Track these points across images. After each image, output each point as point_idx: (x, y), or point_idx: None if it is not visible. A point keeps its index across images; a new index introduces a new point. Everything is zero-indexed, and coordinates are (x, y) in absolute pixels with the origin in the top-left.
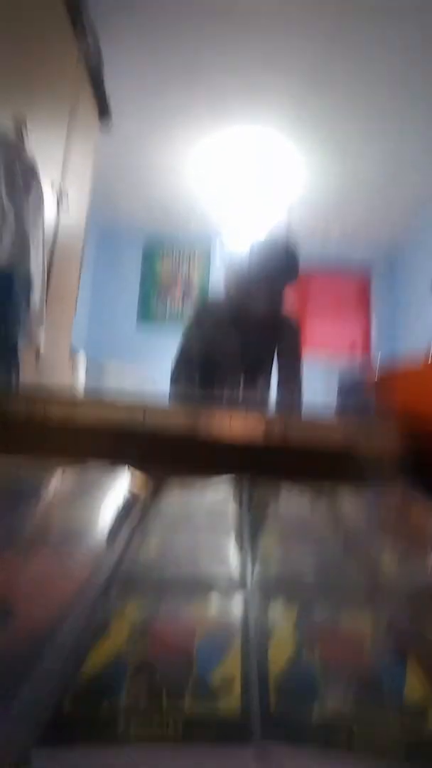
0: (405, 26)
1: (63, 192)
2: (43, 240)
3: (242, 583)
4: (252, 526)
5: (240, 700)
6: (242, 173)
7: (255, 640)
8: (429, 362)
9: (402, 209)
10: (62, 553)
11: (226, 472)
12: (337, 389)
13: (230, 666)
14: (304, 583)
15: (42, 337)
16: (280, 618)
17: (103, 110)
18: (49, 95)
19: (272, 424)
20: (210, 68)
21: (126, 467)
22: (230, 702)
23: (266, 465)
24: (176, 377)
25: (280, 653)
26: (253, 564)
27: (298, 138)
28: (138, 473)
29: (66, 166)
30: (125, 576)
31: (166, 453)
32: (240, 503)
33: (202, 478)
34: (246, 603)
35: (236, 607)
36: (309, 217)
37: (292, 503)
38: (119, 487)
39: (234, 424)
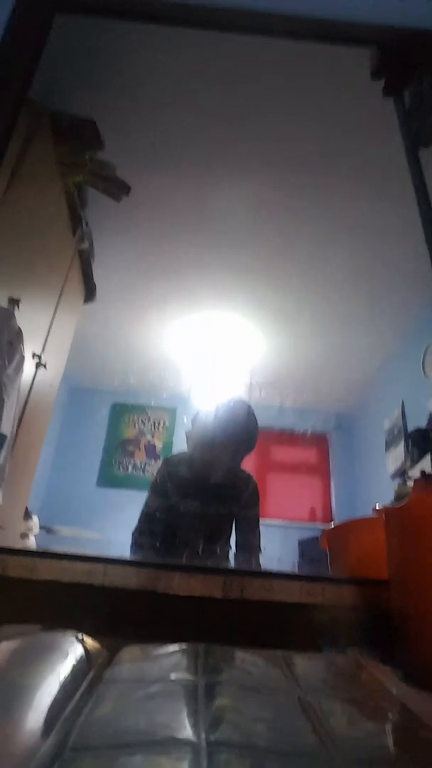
0: (344, 242)
1: (42, 360)
2: (17, 401)
3: (196, 746)
4: (206, 691)
5: None
6: (208, 349)
7: None
8: (376, 515)
9: (351, 381)
10: (11, 717)
11: (184, 629)
12: (298, 550)
13: None
14: (255, 744)
15: (0, 495)
16: None
17: (89, 292)
18: (43, 280)
19: (230, 583)
20: (184, 266)
21: (80, 634)
22: None
23: (223, 623)
24: (139, 531)
25: None
26: (207, 727)
27: (258, 322)
28: (92, 641)
29: (48, 337)
30: (79, 738)
31: (124, 610)
32: (195, 669)
33: (159, 638)
34: (198, 762)
35: (189, 766)
36: (268, 389)
37: (246, 668)
38: (73, 652)
39: (193, 582)
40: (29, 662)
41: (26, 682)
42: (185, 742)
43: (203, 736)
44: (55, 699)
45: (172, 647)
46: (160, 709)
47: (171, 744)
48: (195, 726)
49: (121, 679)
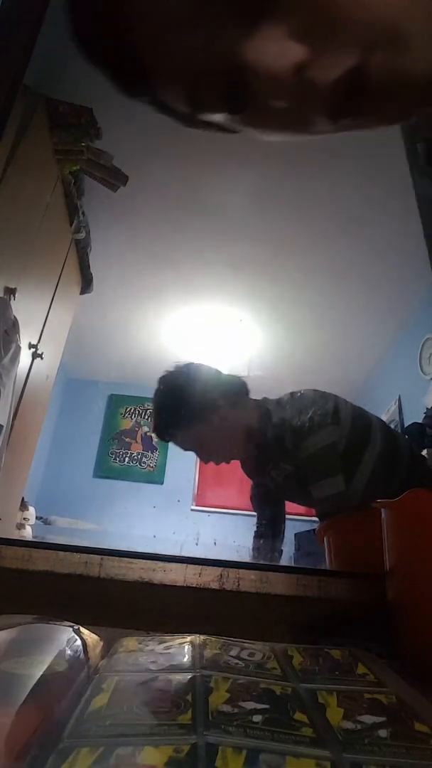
0: (343, 234)
1: (39, 350)
2: (14, 391)
3: (192, 737)
4: (203, 682)
5: None
6: (205, 341)
7: None
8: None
9: (349, 375)
10: (7, 706)
11: (181, 621)
12: (295, 544)
13: None
14: (252, 735)
15: None
16: (228, 762)
17: (86, 282)
18: (39, 269)
19: (227, 574)
20: (182, 257)
21: (76, 625)
22: None
23: (220, 614)
24: None
25: None
26: (203, 718)
27: (256, 315)
28: (88, 632)
29: (45, 328)
30: (75, 729)
31: (121, 601)
32: (191, 661)
33: (156, 629)
34: (195, 750)
35: (186, 753)
36: (266, 382)
37: (242, 659)
38: (69, 643)
39: (189, 574)
40: (25, 652)
41: (22, 672)
42: (182, 733)
43: (200, 724)
44: (51, 690)
45: (169, 639)
46: (157, 700)
47: (168, 734)
48: (192, 717)
49: (118, 671)
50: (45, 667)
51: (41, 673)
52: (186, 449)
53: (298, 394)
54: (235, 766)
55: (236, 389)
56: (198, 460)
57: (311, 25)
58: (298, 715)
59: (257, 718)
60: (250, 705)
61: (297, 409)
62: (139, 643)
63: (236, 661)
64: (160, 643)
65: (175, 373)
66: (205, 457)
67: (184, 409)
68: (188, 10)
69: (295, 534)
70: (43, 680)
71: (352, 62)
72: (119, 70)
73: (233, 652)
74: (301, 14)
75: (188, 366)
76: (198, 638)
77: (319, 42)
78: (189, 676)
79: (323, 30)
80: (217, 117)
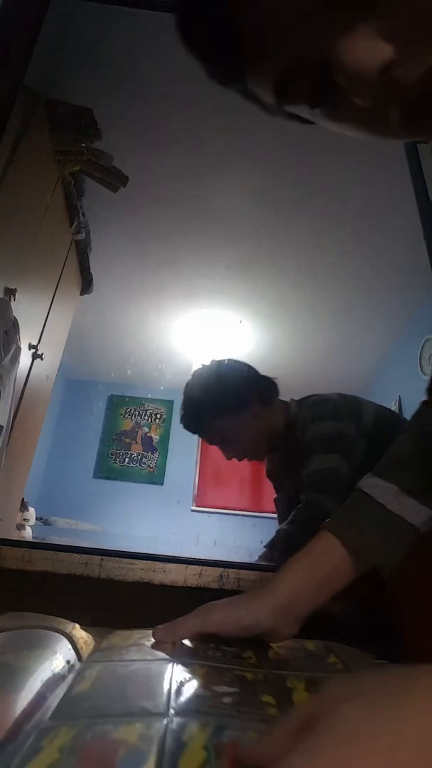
0: (343, 235)
1: (39, 351)
2: (14, 392)
3: (163, 715)
4: (181, 669)
5: None
6: (205, 342)
7: (169, 755)
8: None
9: (349, 376)
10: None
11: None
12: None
13: None
14: (219, 713)
15: None
16: (194, 736)
17: (86, 283)
18: (39, 270)
19: (227, 575)
20: (182, 258)
21: (75, 625)
22: None
23: None
24: None
25: (190, 763)
26: (176, 699)
27: (257, 316)
28: (86, 633)
29: (45, 328)
30: (57, 711)
31: (120, 602)
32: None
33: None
34: (166, 727)
35: (157, 730)
36: None
37: (220, 649)
38: (67, 642)
39: (189, 574)
40: (24, 647)
41: (19, 665)
42: (155, 713)
43: (172, 705)
44: (45, 683)
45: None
46: (135, 686)
47: (142, 715)
48: (166, 700)
49: (102, 660)
50: (42, 661)
51: (37, 667)
52: (211, 443)
53: (322, 395)
54: (202, 740)
55: (269, 388)
56: (198, 460)
57: (402, 25)
58: (266, 698)
59: (227, 699)
60: (222, 689)
61: (313, 402)
62: (128, 636)
63: (214, 651)
64: (144, 637)
65: (210, 368)
66: (229, 452)
67: (216, 401)
68: (296, 1)
69: None
70: (39, 676)
71: None
72: (220, 59)
73: (213, 643)
74: (395, 14)
75: (223, 362)
76: None
77: (407, 42)
78: (168, 665)
79: (413, 30)
80: (300, 109)
